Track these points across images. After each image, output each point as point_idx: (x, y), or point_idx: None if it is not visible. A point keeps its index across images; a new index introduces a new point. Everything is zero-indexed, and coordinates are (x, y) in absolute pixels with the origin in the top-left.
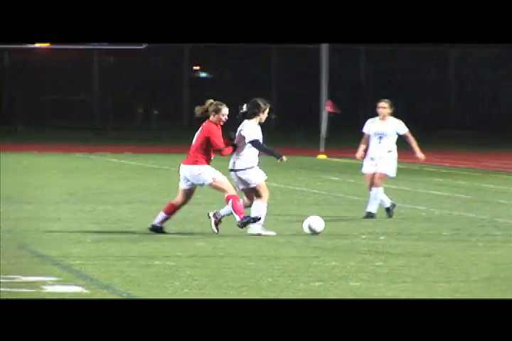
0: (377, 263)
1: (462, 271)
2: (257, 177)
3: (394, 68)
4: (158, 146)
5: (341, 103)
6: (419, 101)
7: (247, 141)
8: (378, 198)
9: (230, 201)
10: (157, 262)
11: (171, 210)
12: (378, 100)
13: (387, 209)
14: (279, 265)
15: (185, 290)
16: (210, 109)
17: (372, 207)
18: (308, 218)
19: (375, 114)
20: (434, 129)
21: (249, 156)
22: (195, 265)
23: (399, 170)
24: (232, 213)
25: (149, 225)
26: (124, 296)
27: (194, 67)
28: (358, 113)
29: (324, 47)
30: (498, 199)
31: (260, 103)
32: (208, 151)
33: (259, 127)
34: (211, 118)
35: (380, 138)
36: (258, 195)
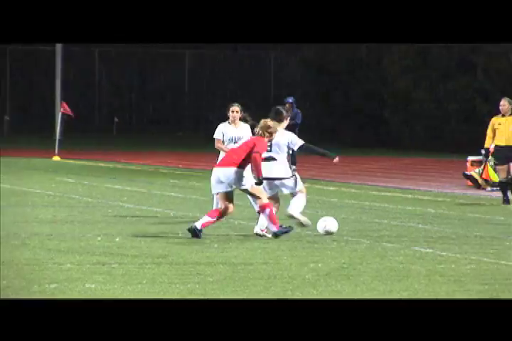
0: (113, 265)
1: (198, 272)
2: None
3: (129, 70)
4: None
5: (75, 105)
6: (155, 103)
7: (298, 146)
8: None
9: (267, 211)
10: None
11: (217, 215)
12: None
13: None
14: (14, 267)
15: None
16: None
17: None
18: (324, 219)
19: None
20: (173, 131)
21: None
22: None
23: (134, 172)
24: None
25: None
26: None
27: None
28: (93, 115)
29: (58, 49)
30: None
31: (283, 111)
32: (249, 156)
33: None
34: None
35: (235, 143)
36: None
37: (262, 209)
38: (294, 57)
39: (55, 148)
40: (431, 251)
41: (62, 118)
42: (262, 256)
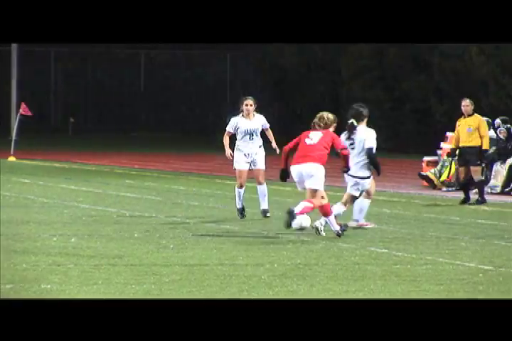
0: (69, 266)
1: (153, 272)
2: None
3: (85, 70)
4: None
5: (31, 106)
6: (110, 103)
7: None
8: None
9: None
10: None
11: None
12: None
13: None
14: None
15: None
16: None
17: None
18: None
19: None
20: (125, 132)
21: None
22: None
23: (90, 172)
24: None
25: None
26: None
27: None
28: (49, 115)
29: (14, 50)
30: (188, 200)
31: (362, 110)
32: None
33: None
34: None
35: (251, 135)
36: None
37: (326, 209)
38: (250, 57)
39: (10, 149)
40: (386, 251)
41: (19, 118)
42: (217, 257)
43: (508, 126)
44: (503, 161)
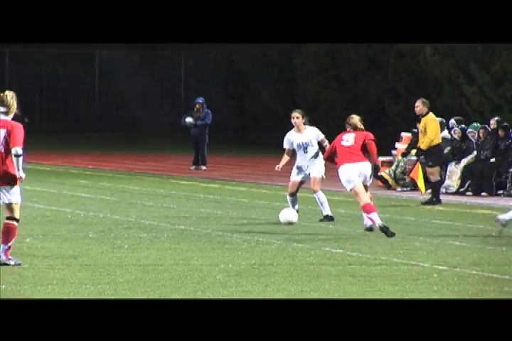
0: (24, 266)
1: (108, 272)
2: None
3: (40, 70)
4: None
5: None
6: (64, 103)
7: None
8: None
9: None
10: None
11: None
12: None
13: None
14: None
15: None
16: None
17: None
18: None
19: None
20: (80, 132)
21: None
22: None
23: (44, 172)
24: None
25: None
26: None
27: None
28: None
29: None
30: (143, 201)
31: None
32: None
33: None
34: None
35: (305, 149)
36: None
37: (370, 207)
38: (205, 57)
39: None
40: (341, 251)
41: None
42: (172, 257)
43: (463, 126)
44: (458, 161)
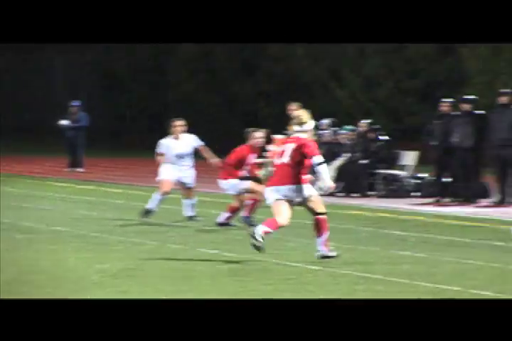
0: None
1: None
2: None
3: None
4: None
5: None
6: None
7: None
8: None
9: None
10: None
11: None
12: None
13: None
14: None
15: None
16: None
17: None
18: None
19: None
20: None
21: None
22: None
23: None
24: None
25: None
26: None
27: None
28: None
29: None
30: (20, 203)
31: None
32: None
33: None
34: None
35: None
36: None
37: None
38: (79, 59)
39: None
40: (217, 252)
41: None
42: (48, 258)
43: (336, 128)
44: (329, 163)
